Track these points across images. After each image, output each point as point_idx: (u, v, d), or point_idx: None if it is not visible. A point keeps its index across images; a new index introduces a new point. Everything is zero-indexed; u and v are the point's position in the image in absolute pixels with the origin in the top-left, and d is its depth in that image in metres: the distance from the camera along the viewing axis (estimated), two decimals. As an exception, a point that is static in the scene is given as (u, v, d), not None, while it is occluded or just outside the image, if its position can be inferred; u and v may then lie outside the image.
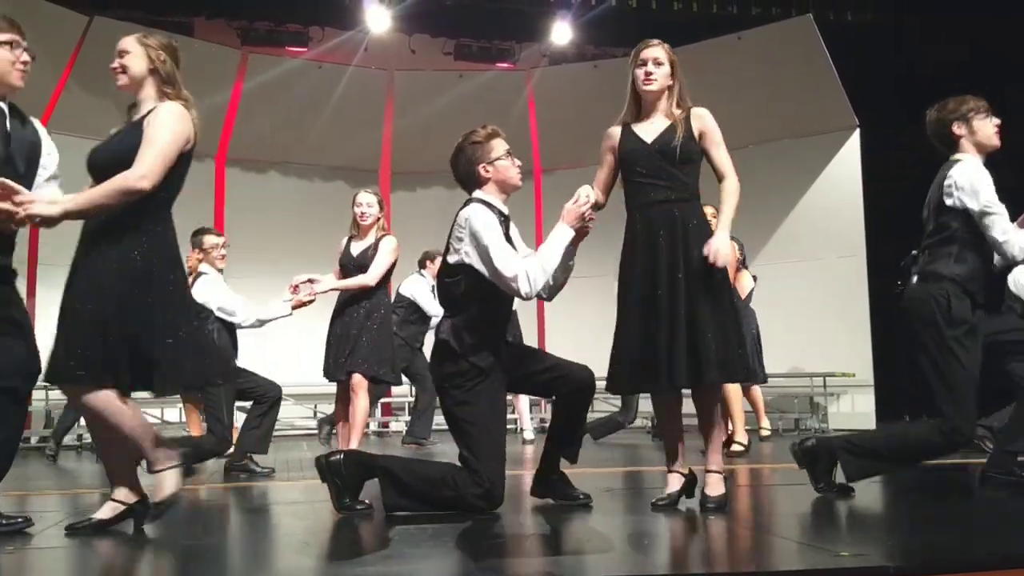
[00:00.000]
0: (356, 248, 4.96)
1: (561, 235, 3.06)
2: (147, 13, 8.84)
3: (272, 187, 9.33)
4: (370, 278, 4.87)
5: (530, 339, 9.71)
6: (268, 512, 3.63)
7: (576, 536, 2.78)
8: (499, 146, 3.24)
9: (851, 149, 8.56)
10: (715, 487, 3.06)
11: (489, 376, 3.08)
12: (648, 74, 3.17)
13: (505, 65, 10.00)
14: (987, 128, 3.54)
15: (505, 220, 3.21)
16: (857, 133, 8.53)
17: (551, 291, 3.20)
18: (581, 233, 3.12)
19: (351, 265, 4.91)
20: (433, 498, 3.03)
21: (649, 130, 3.20)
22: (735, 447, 5.43)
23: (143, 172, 2.74)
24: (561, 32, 9.10)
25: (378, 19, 9.07)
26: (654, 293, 3.06)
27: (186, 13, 9.20)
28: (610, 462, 5.17)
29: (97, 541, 2.69)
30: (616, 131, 3.26)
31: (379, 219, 4.98)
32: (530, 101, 9.76)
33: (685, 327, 2.99)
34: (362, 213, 4.93)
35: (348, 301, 4.90)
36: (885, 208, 8.53)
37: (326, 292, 4.95)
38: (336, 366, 4.86)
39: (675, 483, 3.13)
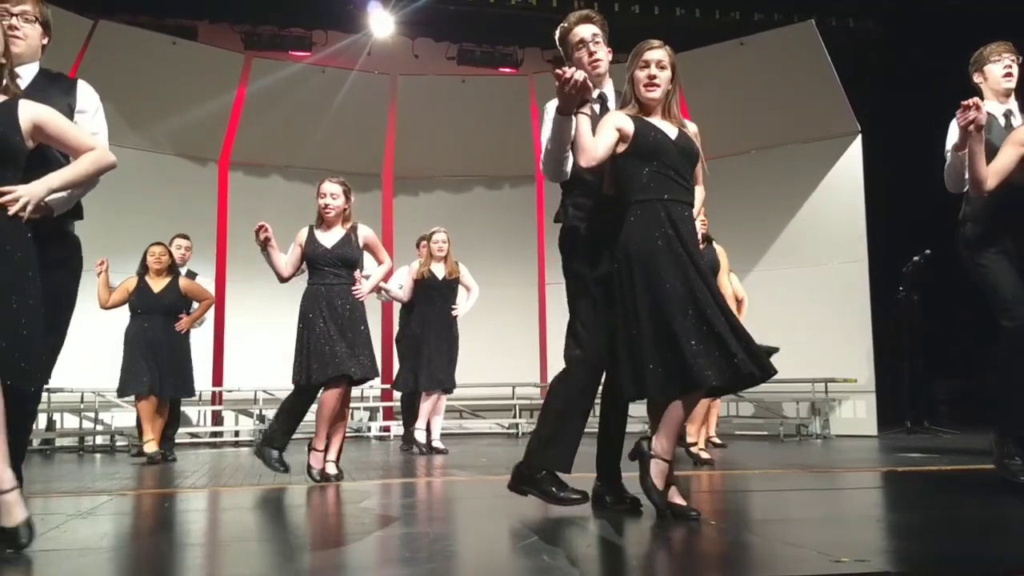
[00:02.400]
0: (328, 240, 4.67)
1: (556, 121, 3.04)
2: (151, 17, 8.89)
3: (275, 191, 9.35)
4: (390, 265, 4.96)
5: (531, 337, 9.74)
6: (268, 515, 3.63)
7: (572, 545, 2.77)
8: (571, 41, 3.27)
9: (853, 155, 8.56)
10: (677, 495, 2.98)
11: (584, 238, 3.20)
12: (652, 78, 3.03)
13: (508, 70, 10.04)
14: (996, 71, 3.68)
15: (599, 98, 3.24)
16: (859, 139, 8.54)
17: (554, 174, 3.21)
18: (581, 104, 2.93)
19: (329, 259, 4.63)
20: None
21: (664, 128, 3.07)
22: (705, 455, 5.50)
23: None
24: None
25: (382, 23, 9.11)
26: (689, 289, 2.88)
27: (190, 17, 9.25)
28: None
29: (110, 542, 2.69)
30: (624, 116, 3.05)
31: (346, 209, 4.72)
32: (532, 106, 9.77)
33: (727, 321, 2.89)
34: (326, 205, 4.66)
35: (344, 297, 4.64)
36: (887, 214, 8.55)
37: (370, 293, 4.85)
38: (360, 364, 4.58)
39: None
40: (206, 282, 8.71)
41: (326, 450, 4.68)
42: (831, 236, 8.52)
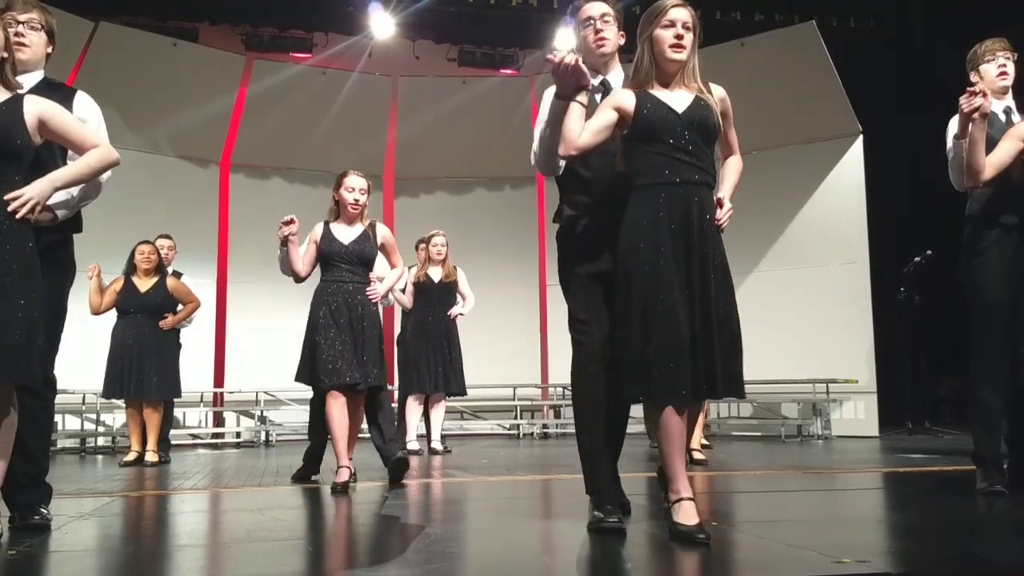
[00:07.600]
0: (346, 236, 4.41)
1: (552, 106, 2.85)
2: (152, 19, 8.90)
3: (276, 192, 9.35)
4: (403, 269, 4.85)
5: (532, 338, 9.74)
6: (269, 516, 3.63)
7: (572, 546, 2.77)
8: (580, 18, 3.08)
9: (854, 155, 8.56)
10: (693, 515, 2.60)
11: (579, 229, 2.99)
12: (679, 37, 2.72)
13: (509, 71, 10.03)
14: (990, 70, 3.78)
15: (601, 85, 3.01)
16: (860, 139, 8.53)
17: (546, 165, 3.02)
18: (577, 89, 2.71)
19: (346, 256, 4.39)
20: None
21: (675, 100, 2.75)
22: (699, 455, 5.47)
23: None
24: (565, 38, 9.11)
25: (382, 25, 9.11)
26: (690, 285, 2.62)
27: (191, 19, 9.24)
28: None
29: (112, 543, 2.69)
30: (627, 93, 2.77)
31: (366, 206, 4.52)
32: (533, 107, 9.77)
33: (717, 332, 2.62)
34: (356, 200, 4.40)
35: (363, 303, 4.42)
36: (888, 214, 8.54)
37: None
38: (366, 373, 4.36)
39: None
40: (206, 283, 8.73)
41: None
42: (832, 237, 8.51)
